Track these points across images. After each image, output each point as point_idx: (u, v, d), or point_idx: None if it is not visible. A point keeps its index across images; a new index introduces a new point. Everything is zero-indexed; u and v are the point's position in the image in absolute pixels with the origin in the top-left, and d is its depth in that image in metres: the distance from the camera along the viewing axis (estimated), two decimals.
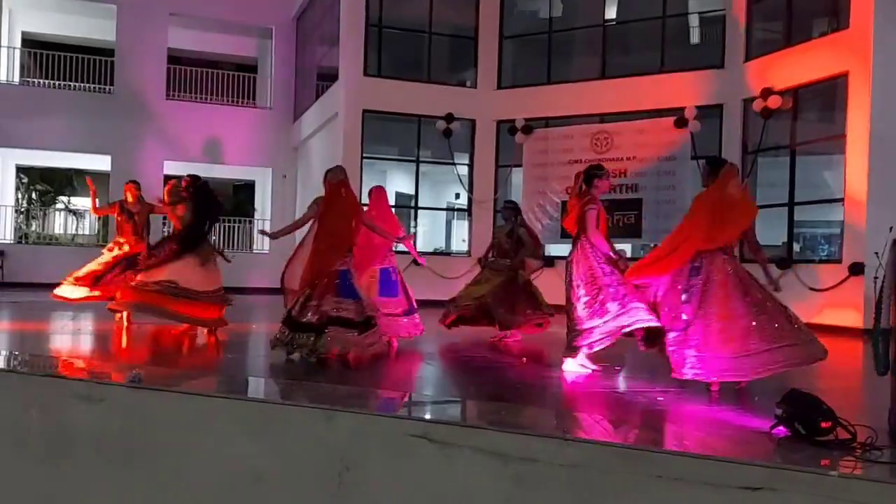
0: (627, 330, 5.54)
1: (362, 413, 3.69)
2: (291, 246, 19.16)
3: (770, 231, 11.05)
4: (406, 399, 4.94)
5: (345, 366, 5.95)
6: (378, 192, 7.44)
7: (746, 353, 4.90)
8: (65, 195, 20.24)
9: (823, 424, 3.31)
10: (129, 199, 8.66)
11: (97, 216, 8.60)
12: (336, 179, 6.33)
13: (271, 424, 3.81)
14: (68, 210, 20.05)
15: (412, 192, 15.19)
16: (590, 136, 13.46)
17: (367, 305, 6.18)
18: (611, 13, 14.34)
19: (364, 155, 13.88)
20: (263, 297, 12.67)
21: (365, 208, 7.17)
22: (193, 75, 18.24)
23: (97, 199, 9.15)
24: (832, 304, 10.15)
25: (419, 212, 15.62)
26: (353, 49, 13.96)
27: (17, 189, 19.21)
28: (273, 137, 17.78)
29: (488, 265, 8.24)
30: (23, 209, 19.36)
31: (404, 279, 7.43)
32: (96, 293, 8.37)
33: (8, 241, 16.96)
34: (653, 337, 5.51)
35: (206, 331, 7.48)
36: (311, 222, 6.35)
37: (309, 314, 5.96)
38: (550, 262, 10.94)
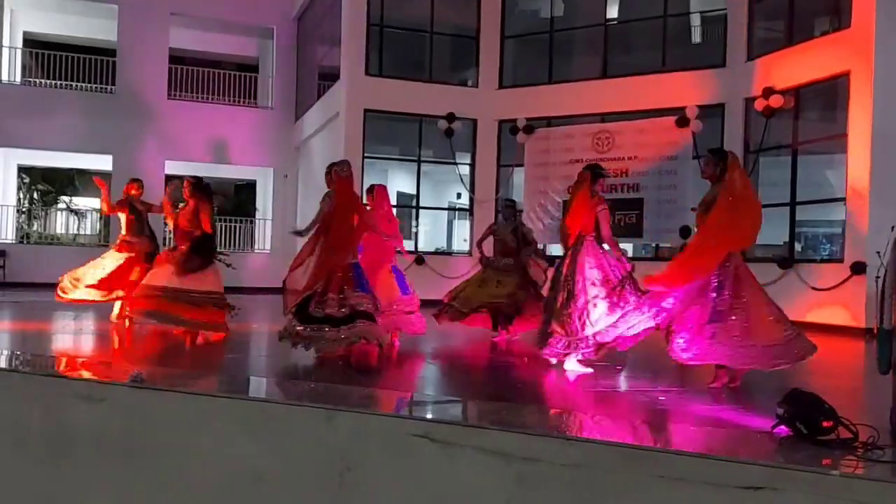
0: (634, 332, 5.59)
1: (363, 413, 3.69)
2: (292, 246, 19.14)
3: (772, 230, 11.05)
4: (407, 399, 4.94)
5: (347, 365, 5.95)
6: (380, 192, 7.43)
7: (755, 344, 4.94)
8: (66, 195, 20.24)
9: (825, 424, 3.30)
10: (135, 195, 8.58)
11: (106, 215, 8.38)
12: (346, 174, 6.33)
13: (272, 424, 3.81)
14: (70, 210, 20.05)
15: (414, 191, 15.20)
16: (591, 135, 13.46)
17: (376, 300, 6.24)
18: (612, 12, 14.33)
19: (365, 154, 13.88)
20: (264, 297, 12.68)
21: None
22: (195, 75, 18.25)
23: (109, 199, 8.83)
24: (834, 304, 10.13)
25: (420, 211, 15.63)
26: (355, 48, 13.96)
27: (19, 189, 19.22)
28: (274, 137, 17.79)
29: (490, 264, 8.21)
30: (24, 209, 19.36)
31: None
32: (116, 293, 8.24)
33: (9, 241, 16.97)
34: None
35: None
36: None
37: (332, 308, 5.94)
38: (552, 261, 10.93)
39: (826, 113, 11.77)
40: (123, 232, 8.37)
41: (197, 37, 19.16)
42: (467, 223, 15.18)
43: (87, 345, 7.49)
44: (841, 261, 10.35)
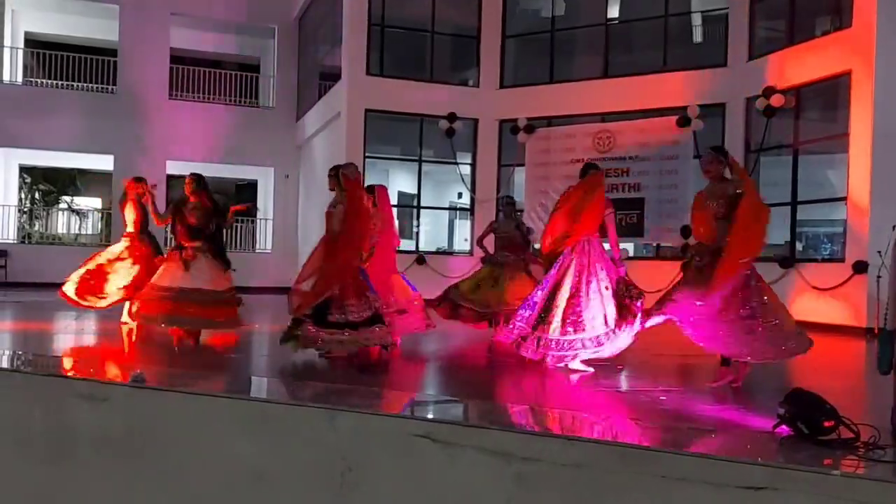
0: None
1: (365, 413, 3.69)
2: (294, 246, 19.14)
3: (773, 230, 11.01)
4: (408, 399, 4.94)
5: (349, 365, 5.96)
6: (381, 193, 7.42)
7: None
8: (68, 195, 20.26)
9: (826, 424, 3.30)
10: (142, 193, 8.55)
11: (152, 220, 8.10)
12: (354, 177, 6.35)
13: (274, 424, 3.82)
14: (71, 210, 20.07)
15: (415, 191, 15.20)
16: (592, 135, 13.45)
17: (381, 301, 6.32)
18: (613, 12, 14.32)
19: (367, 154, 13.88)
20: (265, 297, 12.69)
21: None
22: (196, 75, 18.24)
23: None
24: (835, 303, 10.13)
25: (421, 211, 15.63)
26: (356, 48, 13.96)
27: (21, 189, 19.22)
28: (276, 137, 17.78)
29: (490, 260, 8.21)
30: (26, 209, 19.38)
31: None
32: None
33: (11, 241, 16.98)
34: None
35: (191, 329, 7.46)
36: (326, 222, 6.37)
37: (354, 315, 5.98)
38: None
39: (827, 112, 11.76)
40: (132, 229, 8.30)
41: (198, 37, 19.16)
42: (468, 223, 15.18)
43: (89, 345, 7.49)
44: (842, 260, 10.35)
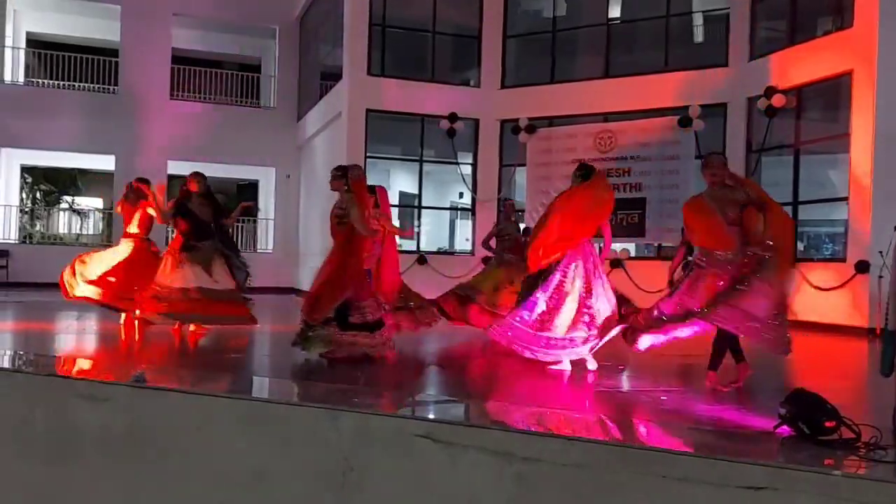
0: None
1: (366, 413, 3.70)
2: (295, 246, 19.12)
3: None
4: (409, 399, 4.95)
5: (350, 365, 5.96)
6: (382, 193, 7.44)
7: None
8: (69, 195, 20.28)
9: (827, 424, 3.30)
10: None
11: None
12: (360, 178, 6.35)
13: (275, 424, 3.82)
14: (72, 210, 20.10)
15: (416, 191, 15.20)
16: (593, 135, 13.45)
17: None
18: (614, 12, 14.32)
19: (368, 154, 13.88)
20: (267, 297, 12.69)
21: None
22: (197, 75, 18.26)
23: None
24: (836, 303, 10.12)
25: (423, 211, 15.64)
26: (357, 48, 13.96)
27: (22, 189, 19.25)
28: (276, 137, 17.79)
29: (500, 261, 8.28)
30: (27, 209, 19.41)
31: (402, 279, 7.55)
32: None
33: (12, 241, 17.00)
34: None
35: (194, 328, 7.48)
36: (334, 224, 6.37)
37: (371, 315, 6.07)
38: None
39: (828, 112, 11.76)
40: (137, 230, 8.30)
41: (199, 37, 19.19)
42: (469, 223, 15.18)
43: (91, 345, 7.50)
44: (843, 260, 10.34)
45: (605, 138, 13.32)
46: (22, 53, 18.42)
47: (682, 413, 4.60)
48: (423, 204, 15.43)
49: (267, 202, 19.10)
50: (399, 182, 16.50)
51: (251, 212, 19.08)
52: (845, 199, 10.56)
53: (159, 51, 17.17)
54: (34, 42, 19.25)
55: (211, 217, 7.49)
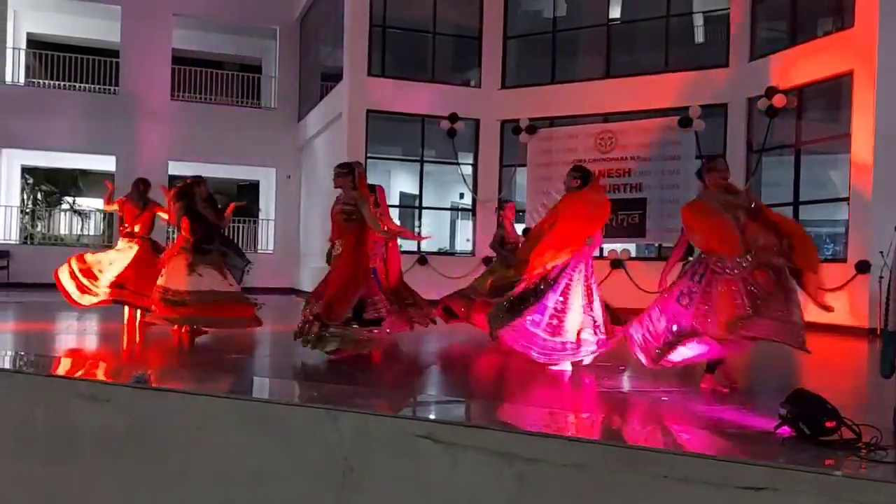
0: None
1: (366, 413, 3.70)
2: (296, 247, 19.10)
3: None
4: (410, 399, 4.95)
5: (351, 365, 5.96)
6: (381, 193, 7.45)
7: None
8: (70, 196, 20.29)
9: (828, 424, 3.30)
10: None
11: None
12: (363, 175, 6.37)
13: (276, 424, 3.82)
14: (73, 210, 20.11)
15: (416, 191, 15.20)
16: (594, 135, 13.45)
17: None
18: (615, 12, 14.32)
19: (368, 155, 13.88)
20: (268, 297, 12.67)
21: None
22: (198, 76, 18.28)
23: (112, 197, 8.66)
24: (837, 304, 10.09)
25: (423, 211, 15.64)
26: (357, 49, 13.97)
27: (23, 190, 19.26)
28: (277, 138, 17.80)
29: (507, 262, 8.30)
30: (28, 210, 19.42)
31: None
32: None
33: (13, 242, 17.01)
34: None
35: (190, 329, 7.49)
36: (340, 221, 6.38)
37: (382, 310, 6.15)
38: None
39: (829, 113, 11.75)
40: (140, 230, 8.30)
41: (200, 37, 19.20)
42: (470, 223, 15.19)
43: (91, 345, 7.50)
44: (844, 260, 10.34)
45: (606, 139, 13.31)
46: (22, 54, 18.42)
47: (682, 413, 4.60)
48: (424, 204, 15.44)
49: (268, 203, 19.11)
50: (400, 182, 16.51)
51: (252, 212, 19.10)
52: (846, 199, 10.56)
53: (160, 51, 17.18)
54: (35, 43, 19.26)
55: (214, 218, 7.56)
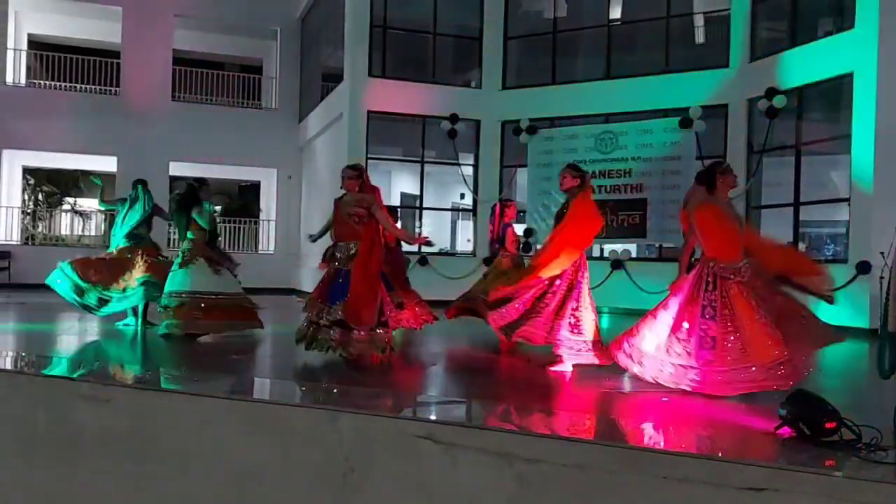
0: None
1: (367, 414, 3.70)
2: (297, 247, 19.07)
3: (776, 231, 11.02)
4: (410, 400, 4.95)
5: (350, 364, 5.96)
6: (377, 193, 7.44)
7: None
8: (71, 196, 20.31)
9: (828, 425, 3.30)
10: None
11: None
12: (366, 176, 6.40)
13: (276, 425, 3.83)
14: (74, 211, 20.13)
15: (417, 192, 15.20)
16: (594, 136, 13.45)
17: None
18: (615, 13, 14.32)
19: (369, 155, 13.89)
20: (268, 298, 12.68)
21: None
22: (199, 77, 18.30)
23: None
24: (838, 304, 10.09)
25: (424, 212, 15.65)
26: (358, 50, 13.98)
27: (24, 190, 19.28)
28: (278, 138, 17.81)
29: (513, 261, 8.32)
30: (29, 210, 19.43)
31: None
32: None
33: (14, 243, 17.03)
34: None
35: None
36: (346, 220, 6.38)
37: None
38: None
39: (829, 113, 11.75)
40: (142, 230, 8.34)
41: (201, 38, 19.23)
42: (470, 224, 15.19)
43: (92, 345, 7.51)
44: (845, 261, 10.33)
45: (607, 139, 13.31)
46: (23, 55, 18.43)
47: (682, 414, 4.60)
48: (425, 205, 15.44)
49: (268, 203, 19.12)
50: (400, 183, 16.51)
51: (253, 212, 19.12)
52: (846, 199, 10.56)
53: (161, 52, 17.20)
54: (36, 44, 19.29)
55: (214, 224, 7.62)
